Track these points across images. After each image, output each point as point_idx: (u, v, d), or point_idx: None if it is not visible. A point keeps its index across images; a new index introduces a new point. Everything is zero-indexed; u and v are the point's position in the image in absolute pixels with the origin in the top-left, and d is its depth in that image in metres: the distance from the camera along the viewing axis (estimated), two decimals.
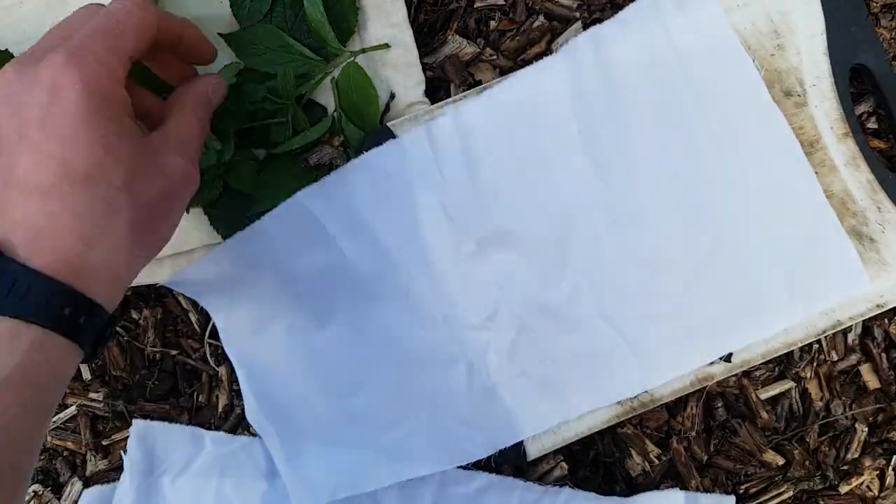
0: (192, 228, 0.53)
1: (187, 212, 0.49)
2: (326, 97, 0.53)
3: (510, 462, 0.52)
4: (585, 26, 0.55)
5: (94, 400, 0.56)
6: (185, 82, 0.45)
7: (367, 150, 0.51)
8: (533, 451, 0.51)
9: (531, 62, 0.53)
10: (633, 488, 0.54)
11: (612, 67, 0.50)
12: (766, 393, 0.55)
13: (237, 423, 0.56)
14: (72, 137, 0.35)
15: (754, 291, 0.50)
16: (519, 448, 0.51)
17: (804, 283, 0.50)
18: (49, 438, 0.56)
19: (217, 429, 0.56)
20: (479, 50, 0.55)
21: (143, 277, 0.53)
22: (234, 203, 0.52)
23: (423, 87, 0.54)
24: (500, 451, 0.51)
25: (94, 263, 0.36)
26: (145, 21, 0.40)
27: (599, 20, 0.55)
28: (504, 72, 0.55)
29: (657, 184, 0.50)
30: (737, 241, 0.50)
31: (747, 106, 0.50)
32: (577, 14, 0.55)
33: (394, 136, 0.51)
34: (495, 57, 0.55)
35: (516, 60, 0.55)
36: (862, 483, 0.55)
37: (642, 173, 0.50)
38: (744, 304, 0.50)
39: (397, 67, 0.53)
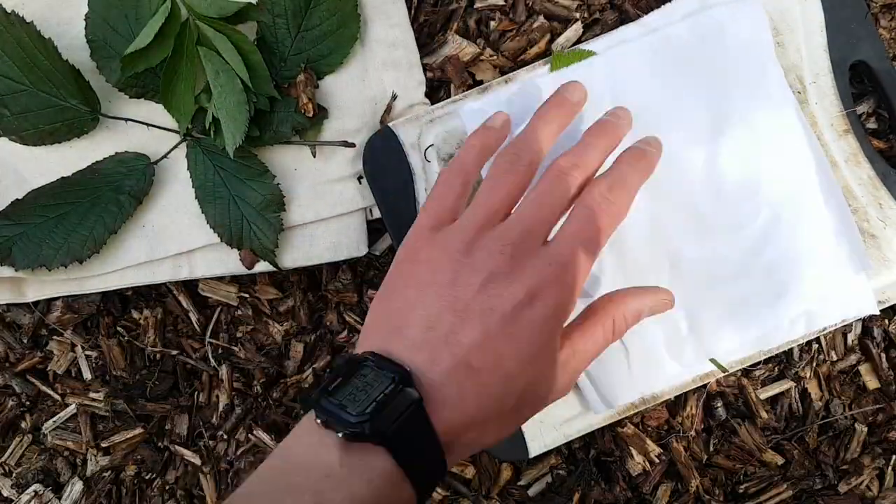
0: (192, 228, 0.53)
1: None
2: (327, 100, 0.53)
3: (511, 459, 0.52)
4: (586, 27, 0.55)
5: (94, 399, 0.56)
6: (609, 306, 0.43)
7: (369, 151, 0.51)
8: (534, 449, 0.51)
9: (531, 62, 0.54)
10: (633, 488, 0.54)
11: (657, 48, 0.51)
12: (766, 392, 0.55)
13: (238, 423, 0.56)
14: (525, 345, 0.38)
15: (757, 302, 0.50)
16: (521, 446, 0.51)
17: (811, 300, 0.50)
18: (49, 438, 0.56)
19: (217, 429, 0.56)
20: (479, 50, 0.55)
21: (143, 277, 0.53)
22: (231, 205, 0.52)
23: (423, 87, 0.54)
24: (502, 448, 0.51)
25: (465, 440, 0.37)
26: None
27: (599, 20, 0.55)
28: (504, 72, 0.55)
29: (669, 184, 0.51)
30: (742, 248, 0.50)
31: (771, 108, 0.50)
32: (577, 14, 0.55)
33: (395, 137, 0.52)
34: (495, 57, 0.55)
35: (516, 60, 0.55)
36: (861, 483, 0.55)
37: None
38: (746, 315, 0.50)
39: (398, 68, 0.53)
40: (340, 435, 0.34)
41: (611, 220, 0.41)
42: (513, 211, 0.41)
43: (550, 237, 0.41)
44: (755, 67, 0.50)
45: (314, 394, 0.36)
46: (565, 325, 0.41)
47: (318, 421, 0.36)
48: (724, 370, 0.51)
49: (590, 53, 0.51)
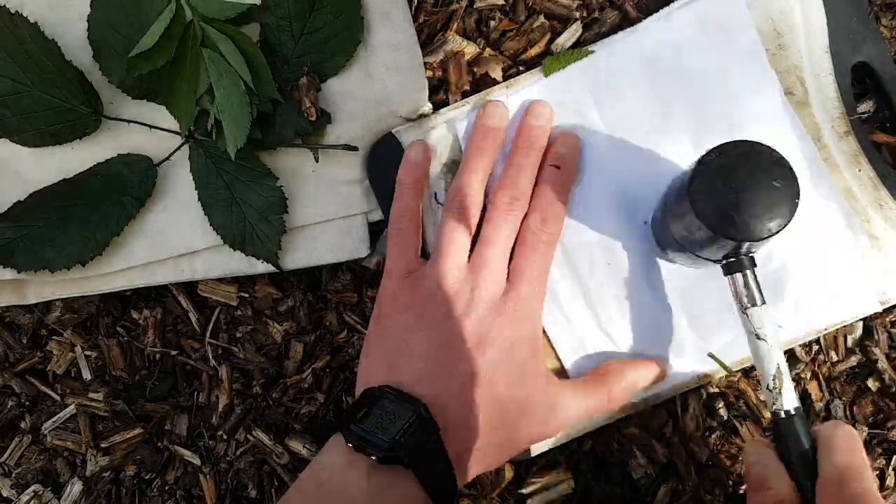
0: (195, 230, 0.53)
1: None
2: (329, 104, 0.53)
3: (511, 458, 0.52)
4: (585, 26, 0.55)
5: (94, 400, 0.56)
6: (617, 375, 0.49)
7: (373, 157, 0.52)
8: (534, 448, 0.51)
9: (531, 62, 0.54)
10: (634, 488, 0.54)
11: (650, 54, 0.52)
12: None
13: (237, 423, 0.56)
14: (512, 370, 0.45)
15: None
16: None
17: (811, 297, 0.50)
18: (49, 438, 0.56)
19: (217, 429, 0.56)
20: (479, 50, 0.55)
21: (145, 278, 0.53)
22: (234, 207, 0.52)
23: (426, 92, 0.54)
24: None
25: (469, 462, 0.44)
26: None
27: (599, 20, 0.55)
28: (504, 72, 0.55)
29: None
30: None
31: (757, 97, 0.51)
32: (577, 14, 0.55)
33: (398, 142, 0.52)
34: (496, 57, 0.55)
35: (516, 60, 0.55)
36: None
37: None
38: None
39: (401, 72, 0.53)
40: (375, 458, 0.39)
41: (549, 247, 0.48)
42: (473, 252, 0.48)
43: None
44: (739, 57, 0.51)
45: (342, 419, 0.42)
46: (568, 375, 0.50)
47: (350, 445, 0.41)
48: (728, 371, 0.51)
49: (587, 52, 0.52)
